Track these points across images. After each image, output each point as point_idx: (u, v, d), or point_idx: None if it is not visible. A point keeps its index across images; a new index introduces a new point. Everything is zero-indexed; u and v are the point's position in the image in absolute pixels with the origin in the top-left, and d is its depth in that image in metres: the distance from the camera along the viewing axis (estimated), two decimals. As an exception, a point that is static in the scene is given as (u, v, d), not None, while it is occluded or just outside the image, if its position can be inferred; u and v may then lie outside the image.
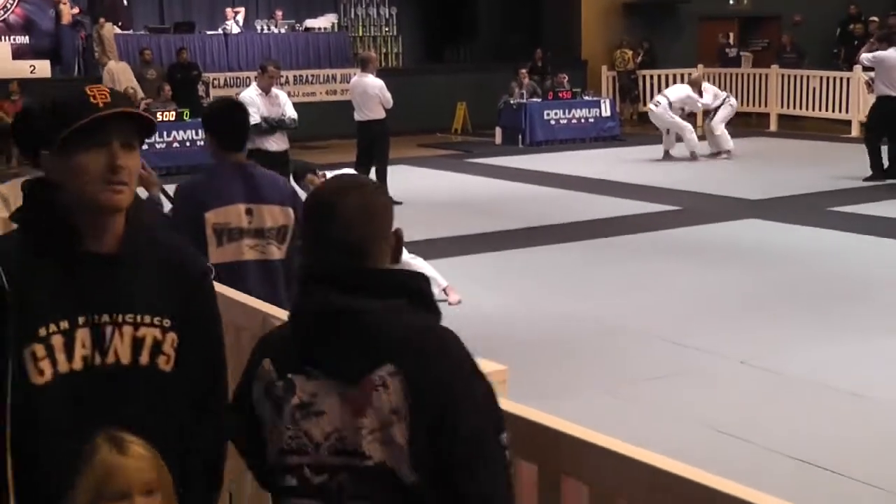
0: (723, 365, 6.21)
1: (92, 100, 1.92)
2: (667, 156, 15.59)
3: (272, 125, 9.51)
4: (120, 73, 16.89)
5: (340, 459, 1.84)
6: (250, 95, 9.65)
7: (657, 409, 5.57)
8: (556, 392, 5.76)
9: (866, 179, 12.90)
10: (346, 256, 1.88)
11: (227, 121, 4.13)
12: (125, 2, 19.48)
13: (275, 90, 9.78)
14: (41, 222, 1.96)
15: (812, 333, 6.79)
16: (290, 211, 4.04)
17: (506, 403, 2.16)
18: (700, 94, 15.80)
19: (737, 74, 20.64)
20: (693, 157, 15.31)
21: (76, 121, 1.90)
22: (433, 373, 1.81)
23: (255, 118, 9.46)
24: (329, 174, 7.96)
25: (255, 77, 10.13)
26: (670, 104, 15.42)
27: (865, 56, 13.25)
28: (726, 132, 15.71)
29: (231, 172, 4.04)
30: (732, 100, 16.17)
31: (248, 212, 3.98)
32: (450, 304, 7.57)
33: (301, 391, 1.88)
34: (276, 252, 4.01)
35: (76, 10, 19.08)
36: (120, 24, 19.15)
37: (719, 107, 15.80)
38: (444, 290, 7.65)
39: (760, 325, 7.01)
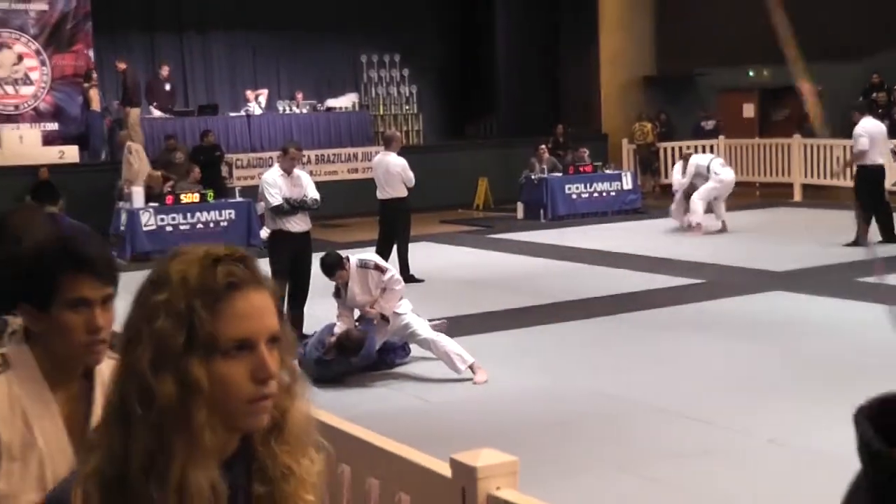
0: (751, 443, 6.09)
1: None
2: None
3: (294, 206, 9.56)
4: (141, 152, 17.13)
5: None
6: (273, 177, 9.71)
7: (683, 490, 5.46)
8: (579, 472, 5.68)
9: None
10: None
11: (41, 191, 6.40)
12: (167, 87, 19.90)
13: (297, 171, 9.83)
14: None
15: (843, 409, 6.61)
16: None
17: (514, 496, 2.12)
18: (683, 170, 15.84)
19: (759, 145, 20.67)
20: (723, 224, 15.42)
21: None
22: None
23: (277, 199, 9.56)
24: (352, 259, 8.06)
25: (278, 158, 10.21)
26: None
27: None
28: (698, 205, 15.36)
29: (46, 219, 5.96)
30: (724, 175, 15.50)
31: None
32: (475, 382, 7.51)
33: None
34: None
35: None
36: (155, 104, 19.57)
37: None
38: (470, 367, 7.59)
39: (789, 401, 6.89)
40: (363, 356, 7.80)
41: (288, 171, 9.68)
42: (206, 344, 1.41)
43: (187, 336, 1.41)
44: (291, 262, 9.52)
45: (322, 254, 8.30)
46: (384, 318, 7.89)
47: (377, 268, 7.97)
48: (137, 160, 16.84)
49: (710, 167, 15.49)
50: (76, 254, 2.10)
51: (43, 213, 6.19)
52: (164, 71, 19.95)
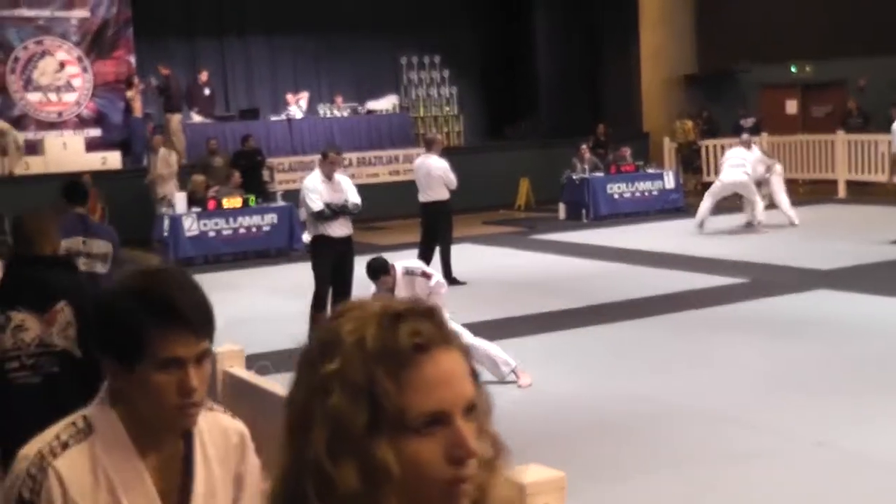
0: (797, 446, 6.02)
1: None
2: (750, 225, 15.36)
3: (334, 211, 9.58)
4: (173, 157, 17.23)
5: (41, 349, 3.83)
6: (313, 182, 9.73)
7: (728, 494, 5.40)
8: (623, 476, 5.64)
9: None
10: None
11: (72, 191, 6.67)
12: (206, 91, 20.09)
13: (337, 176, 9.83)
14: None
15: (893, 411, 6.57)
16: (111, 244, 6.38)
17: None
18: None
19: (802, 142, 20.44)
20: (757, 224, 15.17)
21: None
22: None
23: (318, 205, 9.58)
24: (398, 266, 8.07)
25: (318, 163, 10.22)
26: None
27: None
28: (704, 203, 15.44)
29: (75, 218, 6.43)
30: (723, 174, 15.40)
31: (84, 242, 6.28)
32: (520, 386, 7.47)
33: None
34: (101, 268, 6.25)
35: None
36: (197, 109, 19.76)
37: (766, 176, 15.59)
38: (513, 371, 7.56)
39: (837, 402, 6.80)
40: None
41: (328, 176, 9.70)
42: (394, 421, 1.16)
43: (370, 413, 1.16)
44: (333, 266, 9.55)
45: (369, 257, 8.31)
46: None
47: (424, 274, 8.07)
48: (174, 163, 16.96)
49: (724, 161, 15.47)
50: (167, 304, 1.75)
51: (63, 216, 6.22)
52: (203, 76, 20.10)
